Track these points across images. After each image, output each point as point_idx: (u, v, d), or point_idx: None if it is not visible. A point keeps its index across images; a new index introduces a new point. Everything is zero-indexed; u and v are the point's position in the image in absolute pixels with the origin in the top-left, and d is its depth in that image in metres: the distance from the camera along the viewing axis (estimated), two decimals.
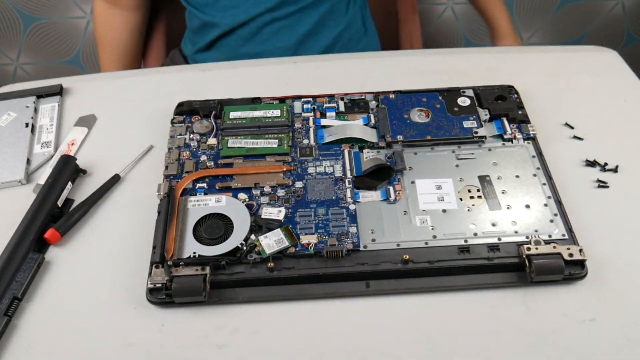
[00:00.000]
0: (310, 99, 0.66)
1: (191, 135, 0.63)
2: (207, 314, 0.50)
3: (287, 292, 0.51)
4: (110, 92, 0.72)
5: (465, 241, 0.52)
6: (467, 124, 0.62)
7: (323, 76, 0.73)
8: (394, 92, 0.66)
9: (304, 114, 0.65)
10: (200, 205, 0.55)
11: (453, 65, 0.73)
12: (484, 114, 0.63)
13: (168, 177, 0.58)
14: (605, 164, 0.60)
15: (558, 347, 0.47)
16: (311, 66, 0.75)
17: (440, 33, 1.49)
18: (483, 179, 0.57)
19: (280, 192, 0.57)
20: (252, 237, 0.53)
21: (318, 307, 0.50)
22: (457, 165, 0.59)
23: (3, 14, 1.36)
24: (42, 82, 0.73)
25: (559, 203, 0.55)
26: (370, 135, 0.62)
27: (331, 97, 0.66)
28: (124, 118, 0.68)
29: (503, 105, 0.64)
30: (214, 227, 0.53)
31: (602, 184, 0.58)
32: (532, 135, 0.61)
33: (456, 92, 0.66)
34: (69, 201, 0.59)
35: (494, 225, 0.54)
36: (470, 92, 0.66)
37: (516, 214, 0.54)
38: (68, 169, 0.59)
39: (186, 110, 0.65)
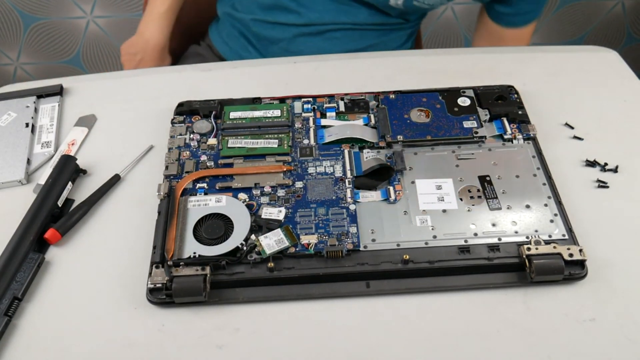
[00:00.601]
0: (311, 99, 0.66)
1: (191, 135, 0.63)
2: (207, 314, 0.50)
3: (287, 292, 0.51)
4: (110, 92, 0.72)
5: (466, 241, 0.52)
6: (467, 124, 0.62)
7: (323, 76, 0.73)
8: (394, 92, 0.66)
9: (304, 114, 0.65)
10: (201, 205, 0.55)
11: (453, 65, 0.73)
12: (484, 114, 0.63)
13: (168, 177, 0.58)
14: (605, 164, 0.60)
15: (558, 347, 0.47)
16: (311, 66, 0.74)
17: (440, 33, 1.50)
18: (483, 179, 0.57)
19: (281, 192, 0.57)
20: (252, 237, 0.53)
21: (318, 307, 0.50)
22: (457, 166, 0.59)
23: (3, 14, 1.36)
24: (42, 82, 0.73)
25: (559, 203, 0.55)
26: (371, 136, 0.62)
27: (331, 97, 0.66)
28: (124, 118, 0.68)
29: (503, 106, 0.64)
30: (214, 227, 0.53)
31: (602, 184, 0.58)
32: (532, 135, 0.61)
33: (456, 92, 0.66)
34: (69, 201, 0.59)
35: (494, 225, 0.54)
36: (470, 92, 0.66)
37: (516, 214, 0.54)
38: (68, 169, 0.59)
39: (186, 110, 0.65)
